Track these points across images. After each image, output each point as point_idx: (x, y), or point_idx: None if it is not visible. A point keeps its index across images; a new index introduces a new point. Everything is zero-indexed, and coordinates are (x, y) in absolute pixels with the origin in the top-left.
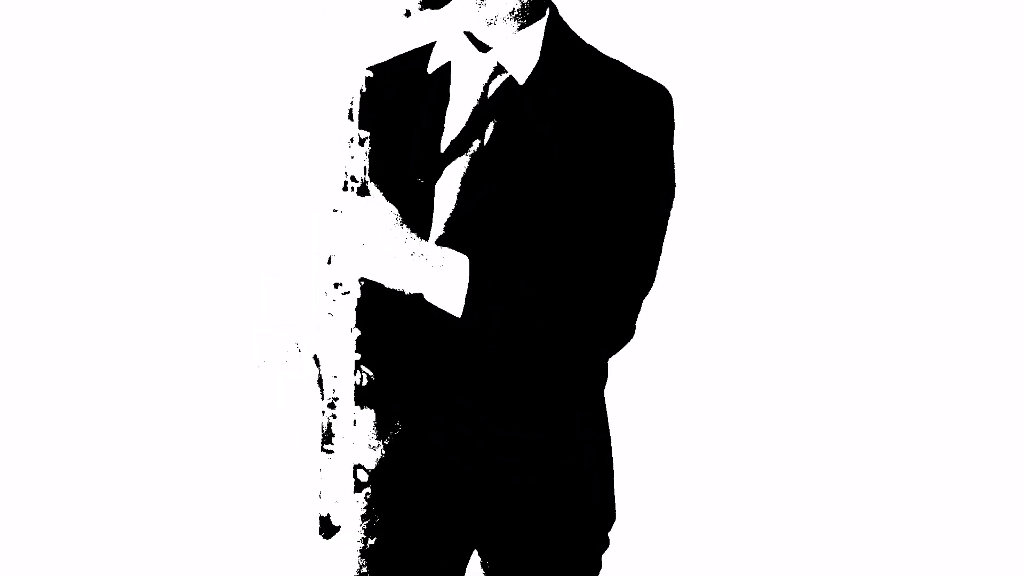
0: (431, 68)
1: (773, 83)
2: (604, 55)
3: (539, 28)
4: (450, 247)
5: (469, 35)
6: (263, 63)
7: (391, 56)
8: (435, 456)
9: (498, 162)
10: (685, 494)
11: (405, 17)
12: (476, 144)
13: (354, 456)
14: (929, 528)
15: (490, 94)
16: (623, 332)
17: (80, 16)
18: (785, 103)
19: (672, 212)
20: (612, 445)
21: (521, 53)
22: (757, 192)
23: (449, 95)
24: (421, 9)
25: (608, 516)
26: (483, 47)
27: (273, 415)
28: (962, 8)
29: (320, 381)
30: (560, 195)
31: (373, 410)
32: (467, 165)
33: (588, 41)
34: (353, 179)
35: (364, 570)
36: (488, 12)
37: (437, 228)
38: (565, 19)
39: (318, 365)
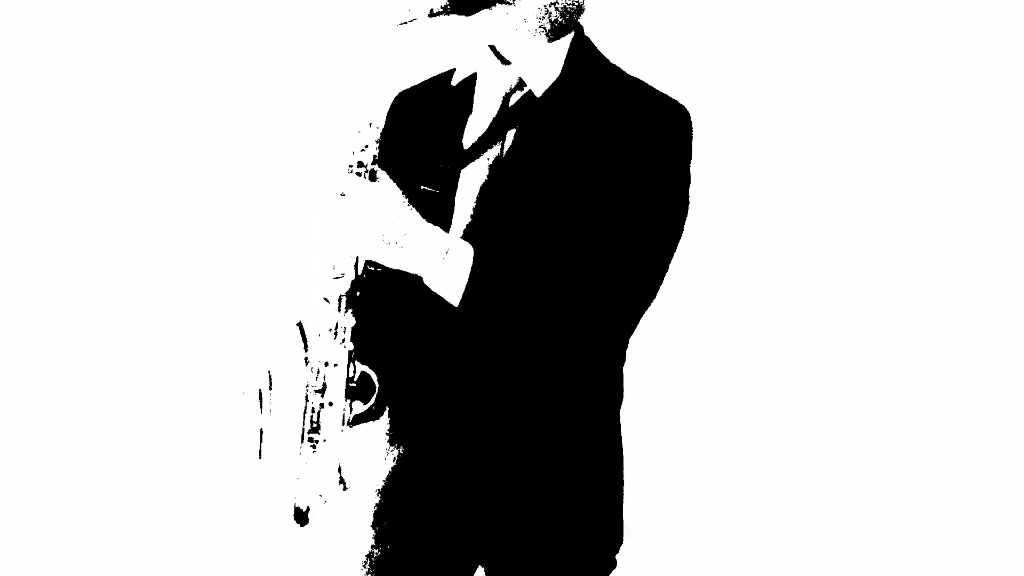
0: (455, 81)
1: (788, 102)
2: (626, 74)
3: (563, 44)
4: (467, 238)
5: (493, 49)
6: (264, 64)
7: (418, 82)
8: (430, 447)
9: (515, 168)
10: (687, 496)
11: (429, 16)
12: (496, 149)
13: (342, 452)
14: (930, 528)
15: (510, 104)
16: (616, 343)
17: (79, 16)
18: (798, 122)
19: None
20: (623, 462)
21: (542, 67)
22: (760, 199)
23: (472, 105)
24: (448, 13)
25: (612, 519)
26: (507, 61)
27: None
28: (973, 12)
29: (305, 359)
30: (572, 204)
31: (364, 404)
32: (487, 168)
33: (613, 61)
34: (361, 164)
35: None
36: (516, 19)
37: (455, 226)
38: (592, 40)
39: (304, 340)
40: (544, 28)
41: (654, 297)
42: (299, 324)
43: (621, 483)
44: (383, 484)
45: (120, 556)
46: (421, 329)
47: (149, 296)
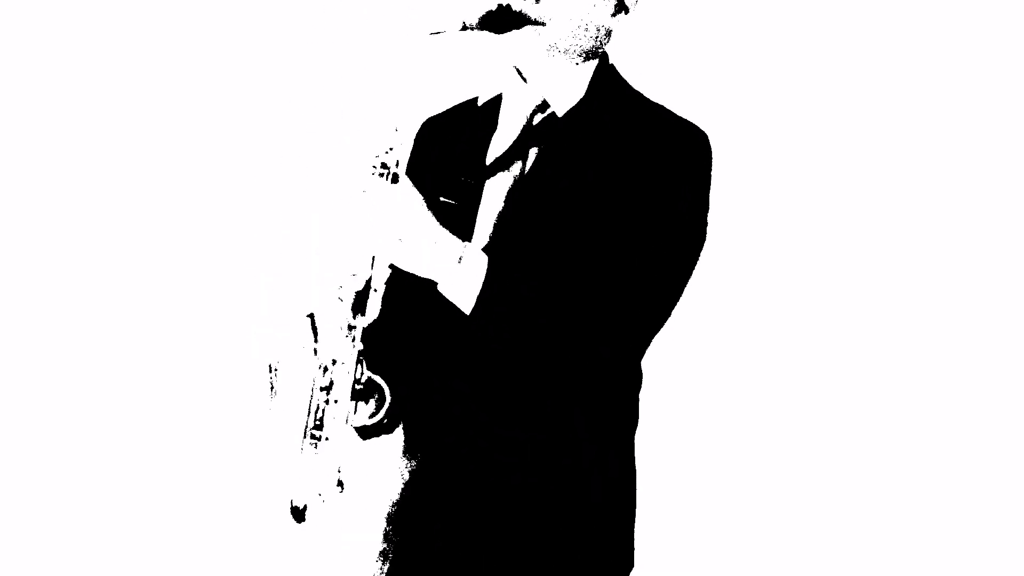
0: (481, 101)
1: (808, 131)
2: (648, 99)
3: (588, 68)
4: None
5: (518, 69)
6: (266, 65)
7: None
8: (439, 453)
9: (536, 185)
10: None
11: (460, 30)
12: (518, 166)
13: (343, 453)
14: (931, 528)
15: (534, 124)
16: (628, 363)
17: (84, 16)
18: (819, 150)
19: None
20: (635, 485)
21: (566, 89)
22: (780, 226)
23: (496, 124)
24: (480, 28)
25: (621, 541)
26: (530, 81)
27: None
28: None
29: (315, 351)
30: (589, 222)
31: (374, 415)
32: (508, 184)
33: (636, 87)
34: (385, 166)
35: None
36: (546, 42)
37: (475, 238)
38: (615, 66)
39: (315, 332)
40: (572, 51)
41: (667, 319)
42: (310, 315)
43: (632, 506)
44: (392, 492)
45: (118, 552)
46: (432, 334)
47: (149, 296)
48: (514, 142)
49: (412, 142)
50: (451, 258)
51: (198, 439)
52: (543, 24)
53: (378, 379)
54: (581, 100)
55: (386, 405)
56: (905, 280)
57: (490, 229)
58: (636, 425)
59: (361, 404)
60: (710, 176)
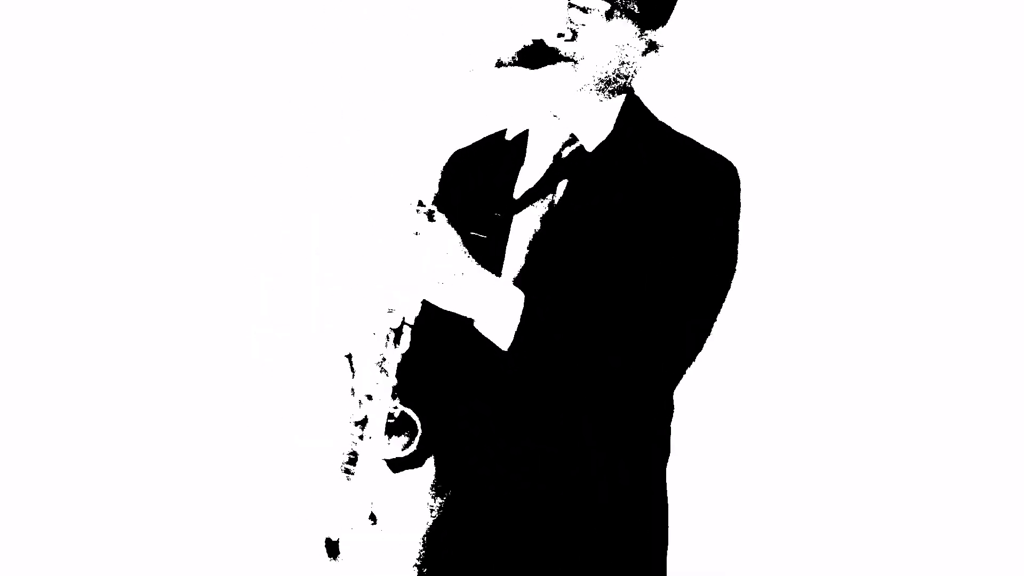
0: (510, 135)
1: (835, 158)
2: (674, 131)
3: (616, 103)
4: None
5: (547, 104)
6: (267, 66)
7: (473, 141)
8: (463, 475)
9: (565, 217)
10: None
11: (496, 67)
12: (547, 199)
13: (376, 489)
14: (939, 530)
15: (562, 157)
16: (660, 396)
17: (86, 16)
18: (846, 175)
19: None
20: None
21: (595, 123)
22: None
23: (525, 158)
24: (514, 65)
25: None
26: (559, 116)
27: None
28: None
29: (352, 389)
30: (619, 255)
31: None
32: (538, 218)
33: (661, 119)
34: (422, 204)
35: None
36: (579, 78)
37: (506, 272)
38: (642, 100)
39: (352, 370)
40: (602, 88)
41: (700, 349)
42: (348, 356)
43: (658, 532)
44: (422, 522)
45: (119, 557)
46: (468, 371)
47: (149, 296)
48: (543, 176)
49: (440, 174)
50: (488, 296)
51: (232, 469)
52: (576, 61)
53: (410, 412)
54: (610, 134)
55: (417, 437)
56: (920, 301)
57: (520, 263)
58: (668, 455)
59: (394, 437)
60: (739, 206)
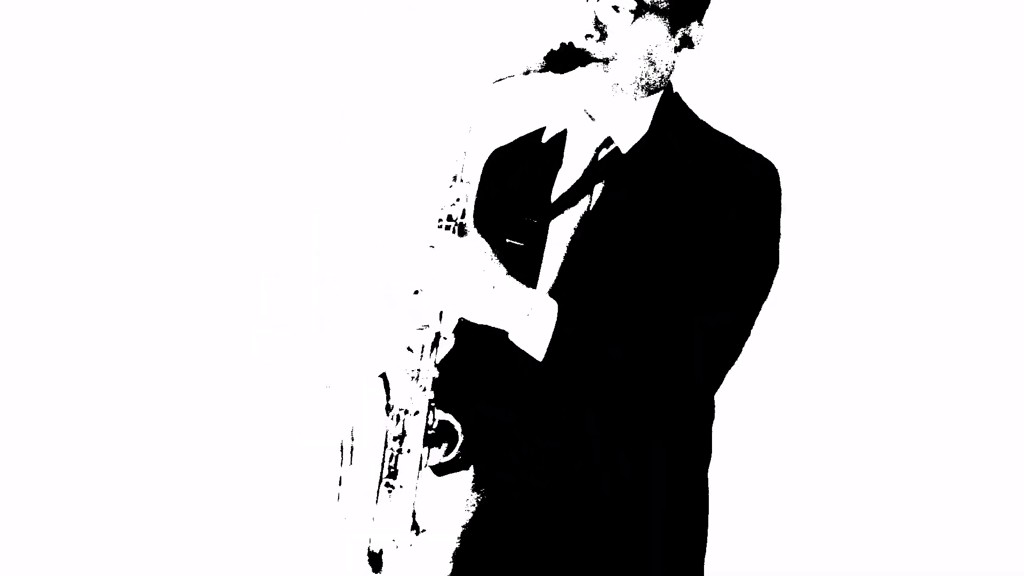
0: (546, 138)
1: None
2: (714, 130)
3: (652, 102)
4: (554, 292)
5: (584, 108)
6: (268, 66)
7: (512, 139)
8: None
9: (602, 220)
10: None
11: (523, 75)
12: (585, 201)
13: (418, 498)
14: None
15: (599, 160)
16: (701, 399)
17: (89, 17)
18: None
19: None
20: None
21: (629, 124)
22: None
23: (562, 160)
24: (542, 71)
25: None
26: (595, 118)
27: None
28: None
29: (388, 407)
30: (658, 257)
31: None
32: (575, 222)
33: (702, 116)
34: (451, 218)
35: None
36: (611, 79)
37: (543, 278)
38: (681, 96)
39: (387, 390)
40: (636, 87)
41: (741, 350)
42: (383, 375)
43: (702, 543)
44: (462, 527)
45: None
46: (505, 381)
47: (150, 296)
48: (579, 179)
49: (480, 174)
50: (522, 309)
51: (270, 483)
52: (607, 62)
53: (450, 418)
54: (645, 135)
55: (459, 442)
56: (932, 312)
57: (557, 267)
58: (710, 458)
59: (434, 449)
60: (780, 206)
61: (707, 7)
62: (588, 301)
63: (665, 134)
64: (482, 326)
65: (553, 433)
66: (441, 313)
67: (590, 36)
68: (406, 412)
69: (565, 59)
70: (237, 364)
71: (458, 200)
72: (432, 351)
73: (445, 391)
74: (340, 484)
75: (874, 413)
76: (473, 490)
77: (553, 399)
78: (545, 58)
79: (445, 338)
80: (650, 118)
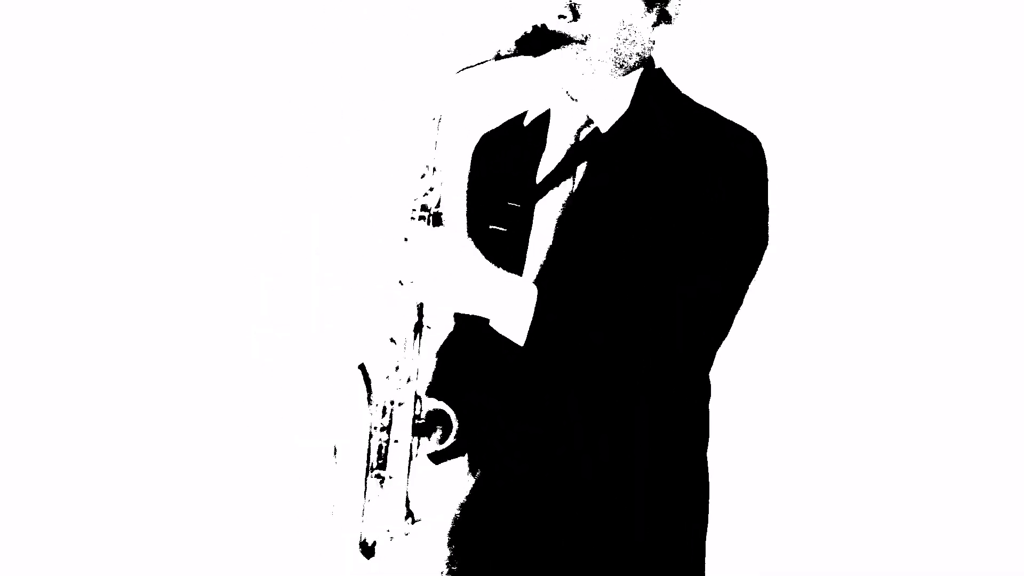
0: (527, 121)
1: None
2: (697, 104)
3: (632, 79)
4: (541, 276)
5: (563, 87)
6: (268, 66)
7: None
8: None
9: (586, 200)
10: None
11: (495, 60)
12: (568, 184)
13: (409, 487)
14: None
15: (581, 139)
16: (691, 373)
17: (89, 17)
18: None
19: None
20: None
21: (609, 103)
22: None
23: (545, 143)
24: (516, 55)
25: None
26: (576, 98)
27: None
28: None
29: (369, 399)
30: (642, 237)
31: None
32: (560, 203)
33: (685, 91)
34: (425, 208)
35: None
36: (588, 59)
37: (530, 261)
38: (663, 71)
39: (367, 381)
40: (614, 65)
41: (730, 327)
42: (361, 367)
43: (700, 524)
44: (457, 512)
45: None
46: (489, 367)
47: (150, 296)
48: (561, 161)
49: (469, 161)
50: (500, 295)
51: (260, 478)
52: (583, 42)
53: (443, 406)
54: (626, 112)
55: (454, 429)
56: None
57: (544, 251)
58: (707, 438)
59: (423, 439)
60: (766, 178)
61: None
62: (572, 285)
63: (647, 111)
64: (473, 315)
65: (536, 419)
66: (420, 304)
67: (563, 16)
68: (391, 403)
69: (539, 42)
70: (237, 364)
71: (431, 190)
72: (415, 341)
73: (441, 379)
74: (330, 479)
75: (875, 403)
76: (467, 477)
77: (536, 385)
78: (517, 42)
79: (428, 328)
80: (631, 95)
